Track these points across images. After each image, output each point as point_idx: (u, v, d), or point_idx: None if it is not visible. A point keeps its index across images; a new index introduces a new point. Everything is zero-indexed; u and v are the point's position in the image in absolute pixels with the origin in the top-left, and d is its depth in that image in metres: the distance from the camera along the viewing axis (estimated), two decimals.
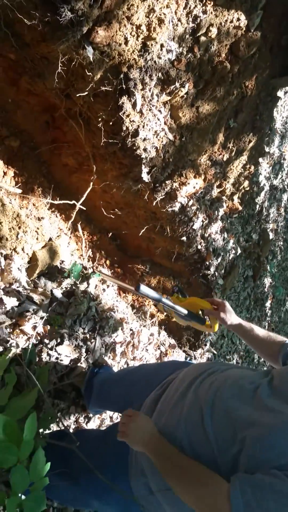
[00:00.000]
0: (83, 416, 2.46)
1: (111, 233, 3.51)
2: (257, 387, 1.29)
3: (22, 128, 2.75)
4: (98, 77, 2.31)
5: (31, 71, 2.38)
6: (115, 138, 2.57)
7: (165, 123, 2.67)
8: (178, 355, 3.42)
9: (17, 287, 2.04)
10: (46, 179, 2.98)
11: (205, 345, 3.67)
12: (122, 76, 2.32)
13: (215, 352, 3.80)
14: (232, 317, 1.93)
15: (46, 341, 2.19)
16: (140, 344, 2.89)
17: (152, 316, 3.48)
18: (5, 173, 2.69)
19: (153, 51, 2.32)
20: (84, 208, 3.04)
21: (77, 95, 2.35)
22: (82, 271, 2.56)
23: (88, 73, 2.26)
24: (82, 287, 2.48)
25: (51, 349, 2.20)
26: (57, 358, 2.25)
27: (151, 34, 2.27)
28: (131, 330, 2.88)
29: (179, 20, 2.37)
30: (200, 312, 2.06)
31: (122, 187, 2.93)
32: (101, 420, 2.62)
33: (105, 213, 3.16)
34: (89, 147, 2.78)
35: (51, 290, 2.29)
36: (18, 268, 2.09)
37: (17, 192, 2.38)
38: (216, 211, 3.50)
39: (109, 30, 2.12)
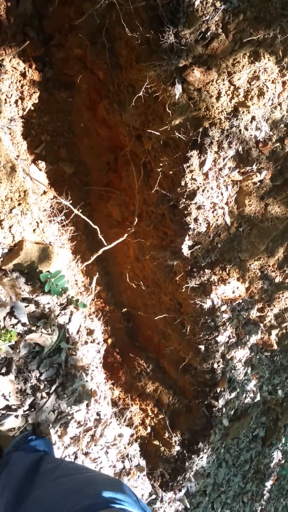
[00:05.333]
0: None
1: (125, 309, 3.07)
2: None
3: (83, 158, 2.60)
4: (176, 123, 2.16)
5: (113, 97, 2.28)
6: (170, 194, 2.32)
7: (226, 203, 2.40)
8: (142, 485, 2.63)
9: None
10: (83, 221, 2.71)
11: (180, 490, 2.85)
12: (201, 129, 2.14)
13: (188, 507, 2.92)
14: None
15: None
16: (101, 440, 2.22)
17: (131, 424, 2.81)
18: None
19: (242, 119, 2.16)
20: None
21: (149, 130, 2.17)
22: (66, 292, 2.08)
23: (167, 115, 2.12)
24: (61, 319, 1.99)
25: None
26: None
27: (246, 101, 2.13)
28: (98, 414, 2.25)
29: (279, 104, 2.23)
30: None
31: (157, 257, 2.59)
32: None
33: (128, 281, 2.78)
34: (140, 201, 2.53)
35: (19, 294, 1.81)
36: None
37: (44, 184, 2.10)
38: (248, 335, 2.99)
39: (206, 75, 2.00)
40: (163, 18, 1.85)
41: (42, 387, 1.85)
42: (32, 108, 2.41)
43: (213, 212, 2.38)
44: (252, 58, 2.01)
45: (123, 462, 2.51)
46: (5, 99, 2.26)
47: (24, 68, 2.31)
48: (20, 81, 2.32)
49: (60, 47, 2.39)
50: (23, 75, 2.33)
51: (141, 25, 1.91)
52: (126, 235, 2.49)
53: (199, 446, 3.03)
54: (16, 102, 2.33)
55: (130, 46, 2.04)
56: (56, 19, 2.29)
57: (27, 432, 1.85)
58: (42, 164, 2.42)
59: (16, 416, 1.76)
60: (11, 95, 2.30)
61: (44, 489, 1.42)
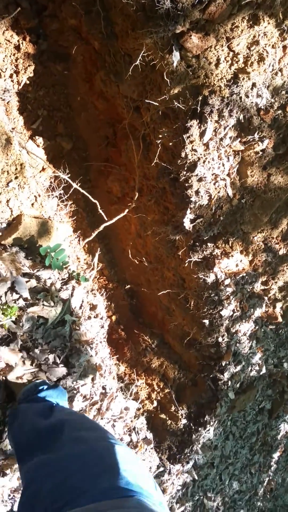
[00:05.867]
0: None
1: (129, 286, 3.06)
2: None
3: (80, 133, 2.56)
4: (175, 92, 2.10)
5: (110, 67, 2.22)
6: (170, 167, 2.28)
7: (228, 175, 2.36)
8: (149, 458, 2.66)
9: None
10: (83, 197, 2.68)
11: (188, 462, 2.88)
12: (200, 98, 2.09)
13: (196, 478, 2.97)
14: None
15: None
16: (108, 413, 2.24)
17: (137, 398, 2.83)
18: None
19: (242, 86, 2.10)
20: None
21: (147, 101, 2.12)
22: (67, 266, 2.07)
23: (166, 84, 2.06)
24: (63, 294, 1.99)
25: None
26: None
27: (246, 67, 2.06)
28: (103, 388, 2.26)
29: (280, 70, 2.17)
30: None
31: (159, 232, 2.56)
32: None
33: (131, 257, 2.76)
34: (140, 175, 2.49)
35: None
36: None
37: (41, 158, 2.06)
38: (252, 309, 2.98)
39: (204, 41, 1.94)
40: None
41: (49, 353, 1.85)
42: (28, 82, 2.36)
43: (214, 184, 2.34)
44: (251, 22, 1.95)
45: (130, 435, 2.54)
46: (0, 73, 2.22)
47: (18, 41, 2.26)
48: (14, 55, 2.27)
49: (54, 18, 2.32)
50: (17, 48, 2.27)
51: None
52: (126, 210, 2.46)
53: (205, 419, 3.05)
54: (11, 76, 2.28)
55: (125, 13, 1.97)
56: None
57: (40, 381, 1.83)
58: (40, 140, 2.38)
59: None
60: (6, 69, 2.25)
61: (56, 448, 1.38)
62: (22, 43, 2.28)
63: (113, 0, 2.01)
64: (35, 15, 2.31)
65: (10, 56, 2.27)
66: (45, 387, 1.81)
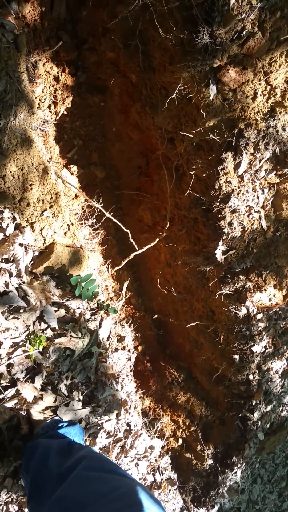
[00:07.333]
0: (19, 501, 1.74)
1: (156, 316, 3.00)
2: None
3: (114, 162, 2.58)
4: (210, 124, 2.10)
5: (146, 100, 2.25)
6: (203, 197, 2.26)
7: (263, 207, 2.32)
8: (173, 499, 2.53)
9: (10, 267, 1.59)
10: (114, 225, 2.69)
11: (213, 506, 2.73)
12: (236, 130, 2.08)
13: None
14: None
15: (14, 364, 1.64)
16: (131, 451, 2.15)
17: (162, 436, 2.73)
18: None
19: (279, 120, 2.08)
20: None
21: (182, 133, 2.12)
22: (97, 296, 2.03)
23: (201, 117, 2.06)
24: (91, 324, 1.95)
25: (12, 381, 1.64)
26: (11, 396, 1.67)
27: (283, 101, 2.05)
28: (128, 424, 2.18)
29: None
30: None
31: (189, 262, 2.52)
32: None
33: (159, 287, 2.72)
34: (172, 205, 2.48)
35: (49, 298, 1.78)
36: (25, 246, 1.67)
37: (75, 187, 2.07)
38: (285, 345, 2.86)
39: (242, 75, 1.94)
40: (197, 18, 1.80)
41: (72, 387, 1.80)
42: (65, 112, 2.41)
43: (248, 216, 2.30)
44: None
45: (153, 475, 2.43)
46: (39, 104, 2.27)
47: (58, 73, 2.32)
48: (53, 86, 2.32)
49: (93, 51, 2.39)
50: (57, 79, 2.33)
51: (175, 26, 1.87)
52: (157, 239, 2.44)
53: (232, 460, 2.91)
54: (49, 106, 2.33)
55: (164, 47, 2.00)
56: (89, 22, 2.29)
57: (58, 418, 1.80)
58: (74, 168, 2.41)
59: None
60: (45, 99, 2.31)
61: (70, 484, 1.37)
62: (61, 74, 2.34)
63: (152, 34, 2.04)
64: (75, 48, 2.38)
65: (49, 87, 2.33)
66: (65, 424, 1.78)
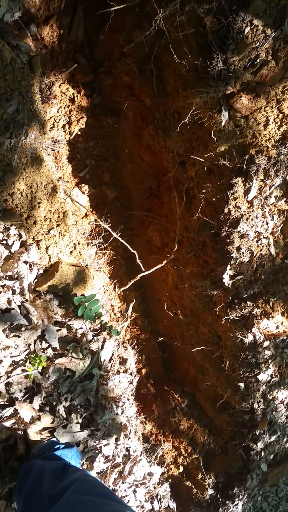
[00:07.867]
0: None
1: (161, 339, 2.97)
2: None
3: (125, 183, 2.60)
4: (221, 149, 2.10)
5: (159, 123, 2.27)
6: (212, 221, 2.25)
7: (272, 233, 2.30)
8: None
9: (14, 284, 1.58)
10: (123, 245, 2.69)
11: None
12: (247, 157, 2.07)
13: None
14: None
15: (13, 383, 1.62)
16: (130, 477, 2.09)
17: (162, 462, 2.67)
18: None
19: None
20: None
21: (193, 157, 2.13)
22: (100, 317, 2.01)
23: (212, 142, 2.07)
24: (94, 345, 1.92)
25: (10, 401, 1.62)
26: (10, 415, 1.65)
27: None
28: (127, 450, 2.13)
29: None
30: None
31: (197, 286, 2.50)
32: None
33: (166, 309, 2.70)
34: (181, 227, 2.47)
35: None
36: (30, 264, 1.67)
37: (84, 207, 2.08)
38: None
39: (254, 102, 1.94)
40: (212, 45, 1.83)
41: (70, 410, 1.77)
42: (79, 132, 2.45)
43: (257, 241, 2.28)
44: None
45: (151, 503, 2.36)
46: (53, 123, 2.31)
47: (73, 94, 2.36)
48: (68, 106, 2.36)
49: (109, 74, 2.43)
50: (72, 100, 2.37)
51: (190, 52, 1.90)
52: (165, 261, 2.43)
53: (234, 491, 2.83)
54: (63, 126, 2.37)
55: (178, 73, 2.03)
56: (106, 46, 2.33)
57: (54, 440, 1.77)
58: (85, 187, 2.43)
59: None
60: (59, 119, 2.34)
61: (60, 507, 1.33)
62: (76, 96, 2.38)
63: (167, 59, 2.07)
64: (91, 71, 2.42)
65: (64, 108, 2.36)
66: (62, 446, 1.74)
